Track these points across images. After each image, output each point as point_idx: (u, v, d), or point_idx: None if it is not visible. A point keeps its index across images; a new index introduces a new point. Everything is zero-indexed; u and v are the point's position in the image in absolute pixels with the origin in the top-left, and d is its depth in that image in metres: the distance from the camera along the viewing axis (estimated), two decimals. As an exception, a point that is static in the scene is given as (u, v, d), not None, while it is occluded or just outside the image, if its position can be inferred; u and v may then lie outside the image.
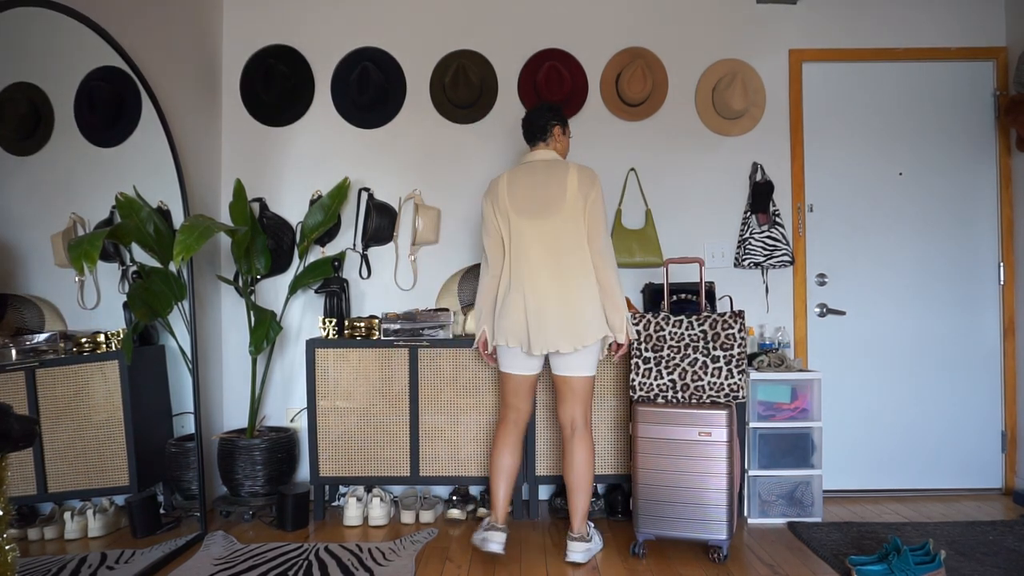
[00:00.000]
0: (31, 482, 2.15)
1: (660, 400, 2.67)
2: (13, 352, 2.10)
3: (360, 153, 3.56)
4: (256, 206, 3.51)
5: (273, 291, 3.54)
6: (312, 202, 3.48)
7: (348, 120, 3.55)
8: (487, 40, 3.55)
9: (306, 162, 3.56)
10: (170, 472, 2.83)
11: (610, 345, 2.65)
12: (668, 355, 2.68)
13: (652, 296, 3.28)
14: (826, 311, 3.55)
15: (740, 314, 2.64)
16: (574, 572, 2.53)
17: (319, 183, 3.56)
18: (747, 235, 3.45)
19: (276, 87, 3.45)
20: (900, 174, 3.56)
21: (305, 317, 3.54)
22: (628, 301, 3.40)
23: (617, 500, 3.14)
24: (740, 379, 2.61)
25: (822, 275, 3.55)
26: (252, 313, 3.15)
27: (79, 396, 2.32)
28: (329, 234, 3.51)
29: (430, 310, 3.18)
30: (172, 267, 2.83)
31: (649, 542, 2.83)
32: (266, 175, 3.56)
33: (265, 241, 3.30)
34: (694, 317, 2.68)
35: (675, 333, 2.69)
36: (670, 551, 2.73)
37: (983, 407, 3.53)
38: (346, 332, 3.21)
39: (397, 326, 3.15)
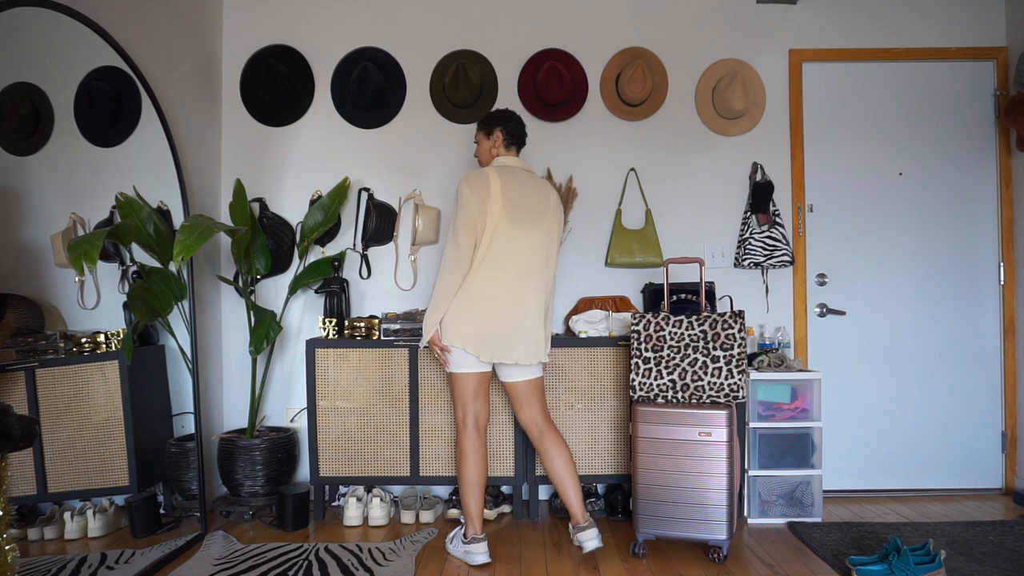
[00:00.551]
0: (31, 482, 2.15)
1: (660, 400, 2.67)
2: (13, 352, 2.10)
3: (360, 153, 3.56)
4: (256, 206, 3.51)
5: (273, 291, 3.54)
6: (312, 202, 3.48)
7: (348, 120, 3.55)
8: (487, 40, 3.55)
9: (306, 162, 3.56)
10: (170, 472, 2.83)
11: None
12: (668, 355, 2.68)
13: (652, 296, 3.28)
14: (826, 311, 3.55)
15: (740, 314, 2.64)
16: (574, 572, 2.53)
17: (319, 183, 3.56)
18: (747, 235, 3.45)
19: (276, 87, 3.45)
20: (900, 174, 3.56)
21: (305, 317, 3.54)
22: (628, 301, 3.40)
23: (617, 500, 3.14)
24: (740, 379, 2.61)
25: (822, 275, 3.55)
26: (252, 313, 3.15)
27: (79, 396, 2.32)
28: (329, 234, 3.51)
29: (430, 310, 3.18)
30: (172, 267, 2.83)
31: (649, 542, 2.83)
32: (266, 175, 3.56)
33: (265, 241, 3.30)
34: (694, 317, 2.68)
35: (675, 333, 2.69)
36: (670, 551, 2.73)
37: (983, 407, 3.53)
38: (346, 332, 3.21)
39: (397, 326, 3.15)
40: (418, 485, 3.21)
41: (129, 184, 2.61)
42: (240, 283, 3.31)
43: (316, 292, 3.39)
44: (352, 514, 3.05)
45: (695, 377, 2.64)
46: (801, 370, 3.14)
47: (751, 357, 3.26)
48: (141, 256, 2.67)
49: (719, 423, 2.59)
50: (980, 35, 3.55)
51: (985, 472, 3.53)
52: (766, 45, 3.56)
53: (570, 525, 2.76)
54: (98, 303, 2.41)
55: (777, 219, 3.45)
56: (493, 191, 2.55)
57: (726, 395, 2.62)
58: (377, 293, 3.55)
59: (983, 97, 3.57)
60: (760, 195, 3.44)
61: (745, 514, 3.09)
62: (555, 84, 3.39)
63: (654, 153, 3.55)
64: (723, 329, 2.64)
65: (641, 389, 2.69)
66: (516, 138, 2.73)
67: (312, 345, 3.14)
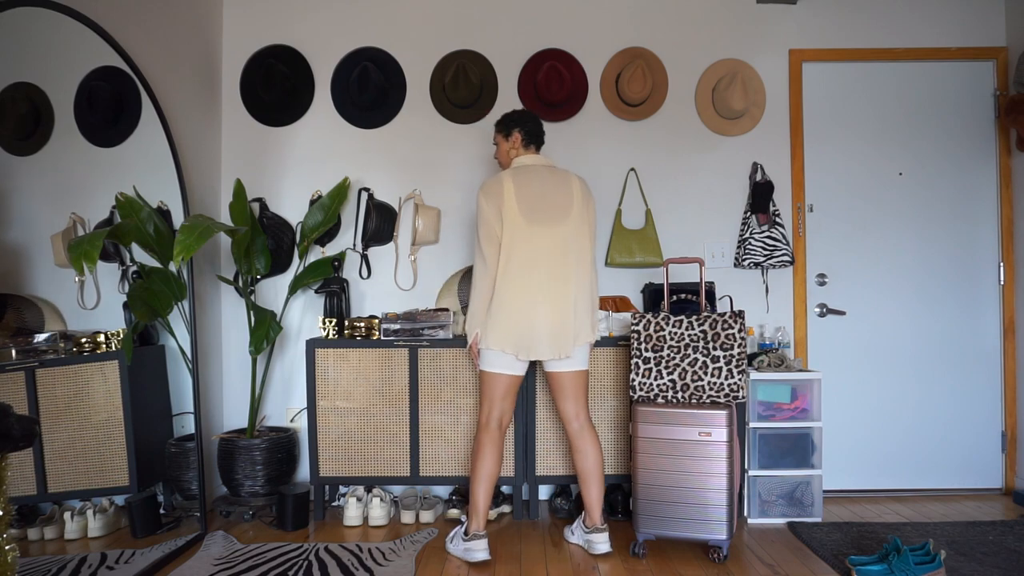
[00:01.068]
0: (31, 482, 2.15)
1: (660, 400, 2.67)
2: (13, 352, 2.10)
3: (360, 153, 3.56)
4: (256, 206, 3.51)
5: (273, 291, 3.54)
6: (312, 202, 3.48)
7: (348, 120, 3.55)
8: (487, 40, 3.55)
9: (306, 162, 3.56)
10: (170, 472, 2.83)
11: None
12: (668, 355, 2.68)
13: (652, 296, 3.28)
14: (826, 311, 3.55)
15: (740, 314, 2.64)
16: (574, 572, 2.53)
17: (319, 183, 3.56)
18: (747, 235, 3.45)
19: (276, 87, 3.45)
20: (900, 174, 3.56)
21: (305, 317, 3.54)
22: (628, 301, 3.40)
23: (617, 500, 3.14)
24: (740, 379, 2.61)
25: (822, 275, 3.55)
26: (252, 313, 3.15)
27: (79, 396, 2.32)
28: (329, 234, 3.51)
29: (430, 310, 3.18)
30: (172, 267, 2.83)
31: (649, 542, 2.83)
32: (266, 175, 3.56)
33: (265, 241, 3.30)
34: (694, 317, 2.68)
35: (675, 333, 2.69)
36: (670, 551, 2.73)
37: (983, 407, 3.53)
38: (346, 332, 3.21)
39: (397, 326, 3.15)
40: (418, 485, 3.21)
41: (129, 184, 2.61)
42: (240, 283, 3.31)
43: (316, 292, 3.39)
44: (352, 514, 3.05)
45: (695, 377, 2.64)
46: (801, 370, 3.14)
47: (751, 357, 3.26)
48: (141, 256, 2.67)
49: (719, 423, 2.59)
50: (980, 35, 3.55)
51: (985, 472, 3.53)
52: (766, 45, 3.56)
53: (580, 524, 2.77)
54: (98, 303, 2.41)
55: (777, 219, 3.45)
56: (507, 196, 2.60)
57: (726, 395, 2.62)
58: (377, 293, 3.55)
59: (983, 97, 3.57)
60: (760, 195, 3.44)
61: (745, 514, 3.09)
62: (555, 84, 3.39)
63: (654, 153, 3.55)
64: (723, 329, 2.64)
65: (641, 389, 2.69)
66: (534, 137, 2.75)
67: (312, 345, 3.14)
